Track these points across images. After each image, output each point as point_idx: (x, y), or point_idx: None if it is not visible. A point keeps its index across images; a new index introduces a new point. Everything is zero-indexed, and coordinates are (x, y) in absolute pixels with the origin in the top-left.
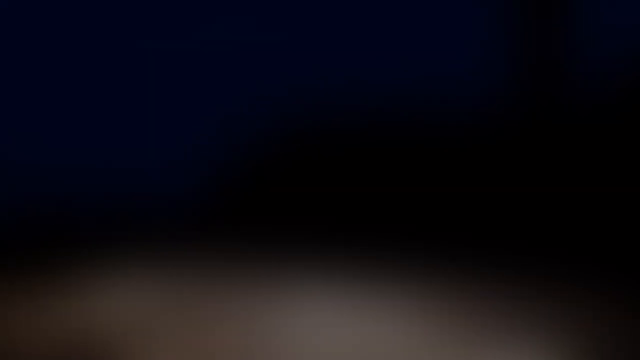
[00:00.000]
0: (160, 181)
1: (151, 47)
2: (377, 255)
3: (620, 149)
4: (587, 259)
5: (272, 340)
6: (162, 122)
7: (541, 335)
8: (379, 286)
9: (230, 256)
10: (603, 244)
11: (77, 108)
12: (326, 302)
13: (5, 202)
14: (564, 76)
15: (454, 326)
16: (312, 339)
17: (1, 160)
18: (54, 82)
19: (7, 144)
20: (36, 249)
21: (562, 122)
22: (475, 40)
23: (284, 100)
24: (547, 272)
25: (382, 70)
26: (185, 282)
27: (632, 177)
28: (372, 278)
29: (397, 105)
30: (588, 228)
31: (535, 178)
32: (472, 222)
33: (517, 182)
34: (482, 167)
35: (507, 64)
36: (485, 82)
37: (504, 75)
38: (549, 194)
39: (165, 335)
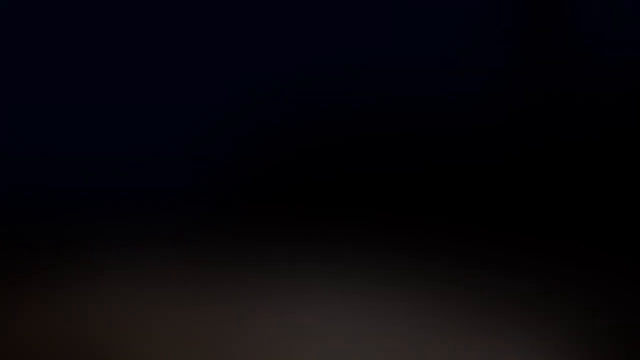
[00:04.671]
0: (160, 181)
1: (151, 45)
2: (376, 255)
3: (621, 153)
4: (588, 259)
5: (271, 341)
6: (161, 120)
7: (541, 334)
8: (379, 286)
9: (230, 256)
10: (603, 244)
11: (75, 106)
12: (326, 301)
13: (3, 202)
14: (565, 81)
15: (453, 326)
16: (312, 339)
17: None
18: (49, 77)
19: (4, 142)
20: (33, 249)
21: (564, 128)
22: (475, 42)
23: (279, 100)
24: (548, 271)
25: (379, 71)
26: (185, 282)
27: (632, 180)
28: (371, 277)
29: (394, 108)
30: (587, 229)
31: (535, 179)
32: (472, 221)
33: (517, 182)
34: (482, 168)
35: (509, 69)
36: (485, 86)
37: (505, 79)
38: (549, 195)
39: (164, 335)
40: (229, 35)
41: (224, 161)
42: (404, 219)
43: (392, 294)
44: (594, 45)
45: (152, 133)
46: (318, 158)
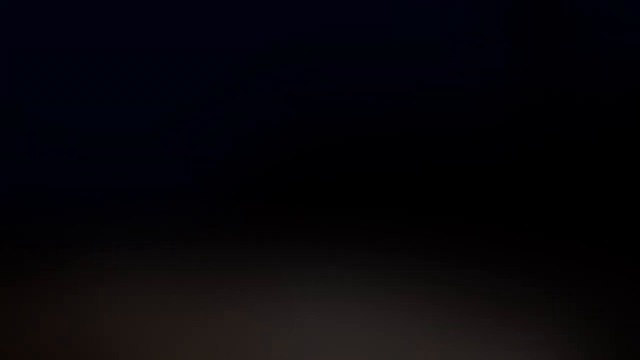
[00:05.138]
0: (160, 181)
1: (151, 45)
2: (376, 254)
3: (621, 153)
4: (588, 259)
5: (271, 341)
6: (161, 120)
7: (540, 334)
8: (378, 285)
9: (230, 256)
10: (603, 244)
11: (75, 106)
12: (326, 300)
13: (3, 202)
14: (565, 83)
15: (453, 326)
16: (311, 338)
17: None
18: (48, 76)
19: (4, 142)
20: (33, 248)
21: (564, 128)
22: (474, 47)
23: (280, 100)
24: (548, 271)
25: (379, 71)
26: (185, 282)
27: (632, 180)
28: (371, 277)
29: (394, 108)
30: (587, 229)
31: (535, 179)
32: (471, 220)
33: (517, 182)
34: (482, 168)
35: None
36: (485, 89)
37: (505, 82)
38: (549, 195)
39: (163, 335)
40: (229, 35)
41: (224, 161)
42: (404, 219)
43: (392, 293)
44: (594, 46)
45: (152, 133)
46: (318, 158)
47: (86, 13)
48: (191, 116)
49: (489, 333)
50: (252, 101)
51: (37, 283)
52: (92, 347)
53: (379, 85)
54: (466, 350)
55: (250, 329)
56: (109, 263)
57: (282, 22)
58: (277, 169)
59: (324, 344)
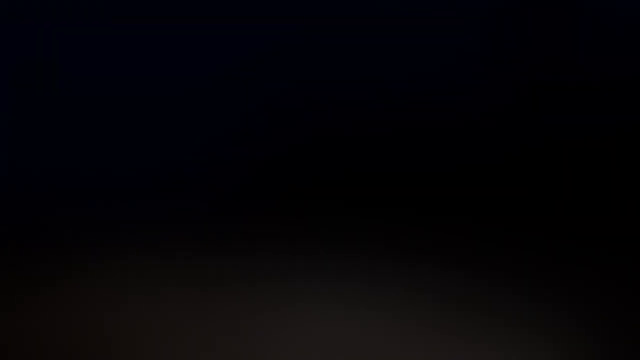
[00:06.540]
0: (160, 181)
1: (153, 45)
2: (377, 253)
3: (621, 153)
4: (588, 259)
5: (272, 340)
6: (160, 120)
7: (540, 334)
8: (379, 285)
9: (230, 256)
10: (603, 244)
11: (75, 106)
12: (327, 300)
13: (4, 200)
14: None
15: (452, 326)
16: (311, 338)
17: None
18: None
19: (6, 141)
20: (32, 249)
21: (564, 128)
22: (475, 42)
23: (280, 99)
24: (548, 271)
25: (380, 72)
26: (185, 282)
27: (632, 180)
28: (372, 276)
29: (395, 108)
30: (587, 229)
31: (535, 179)
32: (471, 221)
33: (517, 182)
34: (482, 168)
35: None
36: (485, 83)
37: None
38: (549, 195)
39: (164, 335)
40: (230, 35)
41: (224, 160)
42: (404, 219)
43: (392, 292)
44: (595, 46)
45: (152, 133)
46: (318, 158)
47: (86, 14)
48: (191, 116)
49: (489, 332)
50: (252, 101)
51: (37, 284)
52: (92, 347)
53: (379, 86)
54: (466, 351)
55: (251, 328)
56: (108, 263)
57: (282, 21)
58: (277, 169)
59: (324, 344)
